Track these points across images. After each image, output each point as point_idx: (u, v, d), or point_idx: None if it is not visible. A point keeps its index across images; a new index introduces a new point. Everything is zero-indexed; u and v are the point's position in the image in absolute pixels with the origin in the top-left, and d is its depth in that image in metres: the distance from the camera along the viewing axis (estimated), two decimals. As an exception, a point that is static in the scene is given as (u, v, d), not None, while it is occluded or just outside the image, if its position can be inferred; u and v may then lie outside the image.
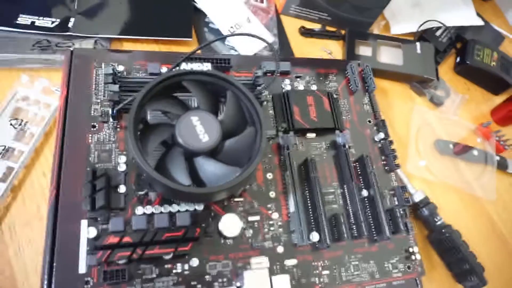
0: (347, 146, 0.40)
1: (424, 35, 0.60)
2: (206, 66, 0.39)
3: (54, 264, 0.29)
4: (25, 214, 0.35)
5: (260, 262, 0.33)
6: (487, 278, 0.41)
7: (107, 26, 0.44)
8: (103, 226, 0.31)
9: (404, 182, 0.45)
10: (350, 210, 0.38)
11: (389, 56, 0.56)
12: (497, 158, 0.53)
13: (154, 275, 0.31)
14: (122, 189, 0.32)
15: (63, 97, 0.35)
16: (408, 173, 0.48)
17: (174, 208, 0.33)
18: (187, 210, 0.33)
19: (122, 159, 0.34)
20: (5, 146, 0.36)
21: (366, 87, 0.46)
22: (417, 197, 0.44)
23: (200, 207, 0.34)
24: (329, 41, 0.57)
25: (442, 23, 0.60)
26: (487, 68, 0.59)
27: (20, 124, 0.37)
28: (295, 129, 0.39)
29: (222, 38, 0.50)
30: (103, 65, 0.37)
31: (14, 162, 0.35)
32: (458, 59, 0.62)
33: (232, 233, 0.33)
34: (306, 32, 0.56)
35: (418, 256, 0.38)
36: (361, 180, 0.39)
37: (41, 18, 0.42)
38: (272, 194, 0.37)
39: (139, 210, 0.32)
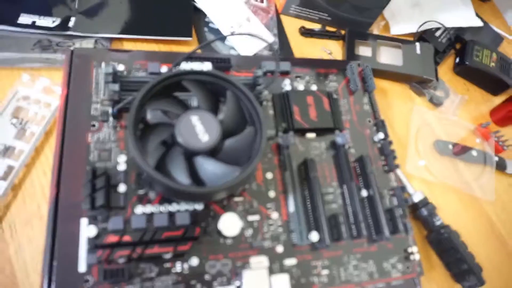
0: (346, 146, 0.40)
1: (423, 36, 0.60)
2: (206, 66, 0.39)
3: (54, 262, 0.29)
4: (25, 213, 0.35)
5: (260, 262, 0.33)
6: (486, 278, 0.41)
7: (108, 26, 0.44)
8: (103, 225, 0.31)
9: (404, 182, 0.46)
10: (349, 210, 0.38)
11: (388, 56, 0.56)
12: (496, 158, 0.54)
13: (153, 274, 0.31)
14: (122, 188, 0.32)
15: (64, 97, 0.35)
16: (407, 173, 0.48)
17: (174, 207, 0.33)
18: (186, 210, 0.33)
19: (122, 158, 0.34)
20: (5, 145, 0.36)
21: (366, 87, 0.46)
22: (416, 198, 0.44)
23: (199, 207, 0.34)
24: (329, 41, 0.57)
25: (441, 24, 0.61)
26: (486, 68, 0.59)
27: (20, 123, 0.37)
28: (295, 129, 0.39)
29: (222, 38, 0.50)
30: (103, 65, 0.37)
31: (15, 161, 0.35)
32: (457, 60, 0.62)
33: (231, 233, 0.33)
34: (306, 32, 0.56)
35: (417, 256, 0.38)
36: (360, 180, 0.40)
37: (42, 17, 0.42)
38: (271, 193, 0.37)
39: (139, 209, 0.32)
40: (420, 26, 0.60)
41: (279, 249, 0.35)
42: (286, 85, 0.43)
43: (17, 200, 0.35)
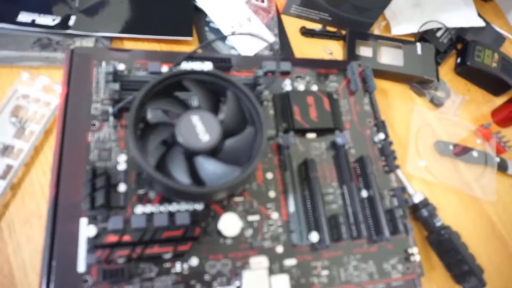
0: (347, 147, 0.40)
1: (424, 36, 0.60)
2: (207, 66, 0.39)
3: (53, 262, 0.29)
4: (24, 212, 0.35)
5: (260, 262, 0.33)
6: (487, 280, 0.41)
7: (108, 25, 0.44)
8: (102, 224, 0.31)
9: (404, 183, 0.45)
10: (349, 210, 0.38)
11: (389, 56, 0.56)
12: (497, 159, 0.53)
13: (153, 274, 0.31)
14: (122, 187, 0.32)
15: (64, 95, 0.35)
16: (407, 173, 0.48)
17: (174, 207, 0.33)
18: (186, 210, 0.33)
19: (122, 157, 0.34)
20: (4, 144, 0.36)
21: (367, 88, 0.46)
22: (417, 198, 0.44)
23: (199, 207, 0.34)
24: (330, 41, 0.57)
25: (443, 24, 0.60)
26: (488, 69, 0.59)
27: (20, 122, 0.37)
28: (295, 129, 0.39)
29: (223, 38, 0.50)
30: (103, 64, 0.37)
31: (14, 160, 0.35)
32: (458, 60, 0.62)
33: (231, 233, 0.33)
34: (306, 32, 0.56)
35: (417, 257, 0.38)
36: (360, 180, 0.39)
37: (42, 15, 0.42)
38: (271, 193, 0.37)
39: (139, 209, 0.32)
40: (421, 26, 0.60)
41: (279, 249, 0.35)
42: (287, 85, 0.42)
43: (16, 199, 0.35)
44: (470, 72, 0.61)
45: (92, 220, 0.31)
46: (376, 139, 0.43)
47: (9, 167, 0.35)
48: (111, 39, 0.44)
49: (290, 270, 0.34)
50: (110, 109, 0.35)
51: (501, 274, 0.46)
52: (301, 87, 0.43)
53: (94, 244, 0.29)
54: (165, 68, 0.38)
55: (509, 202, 0.52)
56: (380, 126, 0.43)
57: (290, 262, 0.34)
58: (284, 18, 0.56)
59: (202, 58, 0.40)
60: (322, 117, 0.41)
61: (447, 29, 0.61)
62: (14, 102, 0.38)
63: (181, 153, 0.31)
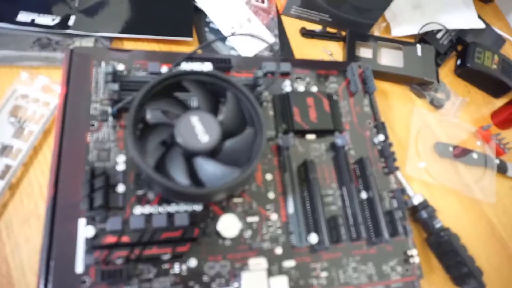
0: (346, 148, 0.40)
1: (425, 37, 0.60)
2: (207, 66, 0.39)
3: (51, 263, 0.29)
4: (22, 212, 0.34)
5: (258, 263, 0.33)
6: (486, 282, 0.41)
7: (108, 25, 0.44)
8: (101, 225, 0.31)
9: (403, 184, 0.45)
10: (349, 212, 0.38)
11: (389, 58, 0.56)
12: (497, 161, 0.53)
13: (151, 275, 0.30)
14: (120, 188, 0.32)
15: (63, 95, 0.35)
16: (407, 175, 0.48)
17: (173, 208, 0.33)
18: (185, 210, 0.33)
19: (121, 158, 0.34)
20: (3, 144, 0.36)
21: (366, 89, 0.46)
22: (416, 200, 0.44)
23: (198, 207, 0.34)
24: (330, 42, 0.57)
25: (443, 26, 0.60)
26: (488, 71, 0.59)
27: (19, 122, 0.37)
28: (295, 130, 0.39)
29: (223, 38, 0.49)
30: (103, 64, 0.37)
31: (13, 160, 0.35)
32: (458, 62, 0.62)
33: (230, 234, 0.33)
34: (306, 33, 0.56)
35: (416, 259, 0.38)
36: (360, 182, 0.39)
37: (41, 15, 0.42)
38: (271, 195, 0.36)
39: (138, 209, 0.32)
40: (422, 27, 0.60)
41: (278, 250, 0.34)
42: (287, 86, 0.42)
43: (14, 199, 0.35)
44: (470, 74, 0.61)
45: (91, 221, 0.31)
46: (376, 140, 0.43)
47: (7, 167, 0.35)
48: (111, 39, 0.44)
49: (289, 271, 0.34)
50: (109, 110, 0.35)
51: (501, 276, 0.46)
52: (301, 88, 0.43)
53: (93, 245, 0.29)
54: (164, 69, 0.38)
55: (508, 204, 0.52)
56: (380, 127, 0.43)
57: (289, 263, 0.34)
58: (284, 19, 0.56)
59: (201, 59, 0.40)
60: (321, 118, 0.40)
61: (447, 30, 0.61)
62: (13, 102, 0.38)
63: (180, 154, 0.31)
